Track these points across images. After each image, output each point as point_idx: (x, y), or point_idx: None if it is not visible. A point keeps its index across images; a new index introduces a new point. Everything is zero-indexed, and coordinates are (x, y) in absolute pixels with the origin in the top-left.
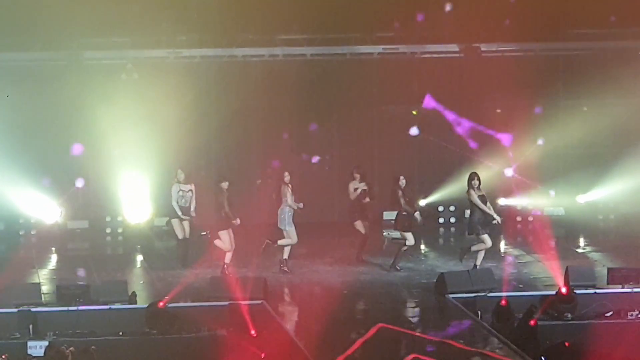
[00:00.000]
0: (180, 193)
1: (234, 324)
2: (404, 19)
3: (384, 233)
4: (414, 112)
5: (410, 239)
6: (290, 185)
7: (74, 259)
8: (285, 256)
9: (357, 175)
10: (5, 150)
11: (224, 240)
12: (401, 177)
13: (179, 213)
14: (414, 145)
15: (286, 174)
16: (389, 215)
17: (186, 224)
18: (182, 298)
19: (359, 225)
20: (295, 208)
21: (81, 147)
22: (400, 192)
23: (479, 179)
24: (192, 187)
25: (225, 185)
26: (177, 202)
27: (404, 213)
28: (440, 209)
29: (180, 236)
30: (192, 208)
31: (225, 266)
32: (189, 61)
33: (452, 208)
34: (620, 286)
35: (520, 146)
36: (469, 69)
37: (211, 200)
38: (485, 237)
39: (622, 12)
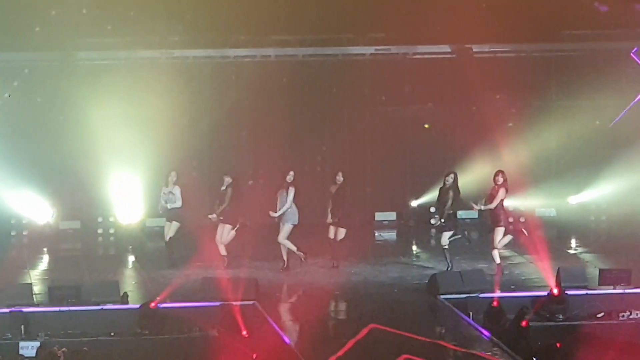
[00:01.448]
0: (164, 195)
1: (226, 324)
2: (396, 19)
3: (376, 234)
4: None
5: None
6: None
7: (65, 259)
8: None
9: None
10: None
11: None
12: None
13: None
14: (406, 146)
15: (291, 173)
16: (381, 216)
17: (174, 225)
18: (173, 298)
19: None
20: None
21: None
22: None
23: (502, 176)
24: (173, 189)
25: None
26: (165, 203)
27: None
28: (432, 209)
29: (165, 237)
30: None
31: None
32: (181, 62)
33: None
34: (611, 287)
35: (512, 147)
36: (461, 69)
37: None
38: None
39: (614, 14)
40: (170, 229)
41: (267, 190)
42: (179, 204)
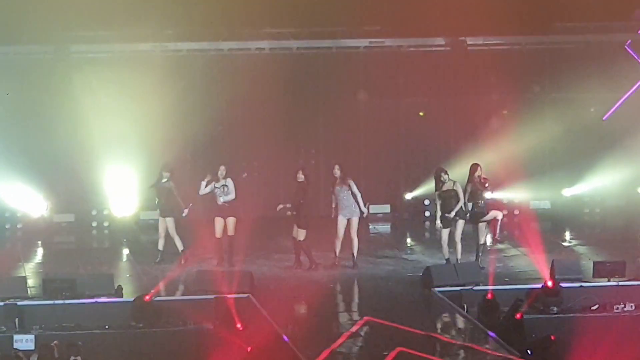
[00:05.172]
0: (218, 190)
1: (220, 317)
2: (390, 12)
3: (370, 227)
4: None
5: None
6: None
7: (60, 252)
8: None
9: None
10: None
11: None
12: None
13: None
14: (400, 139)
15: (336, 167)
16: (375, 208)
17: (231, 221)
18: (168, 291)
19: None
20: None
21: None
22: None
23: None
24: (226, 182)
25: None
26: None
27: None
28: (427, 202)
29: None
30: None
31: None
32: (175, 55)
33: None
34: (606, 279)
35: (506, 139)
36: (455, 62)
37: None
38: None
39: (609, 5)
40: (229, 225)
41: (261, 183)
42: (232, 196)
